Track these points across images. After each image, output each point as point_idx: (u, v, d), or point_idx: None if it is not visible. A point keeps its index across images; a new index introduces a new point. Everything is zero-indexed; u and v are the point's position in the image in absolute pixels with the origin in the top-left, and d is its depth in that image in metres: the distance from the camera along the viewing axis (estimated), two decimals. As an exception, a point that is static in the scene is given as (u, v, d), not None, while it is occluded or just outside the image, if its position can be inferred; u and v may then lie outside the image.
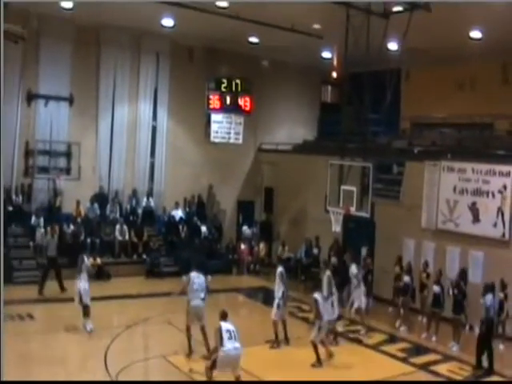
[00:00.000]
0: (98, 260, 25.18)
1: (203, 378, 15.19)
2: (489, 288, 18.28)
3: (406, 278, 21.73)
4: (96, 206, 27.55)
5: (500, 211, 21.13)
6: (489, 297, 17.94)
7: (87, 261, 19.52)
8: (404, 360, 18.25)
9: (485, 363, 17.58)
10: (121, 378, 15.30)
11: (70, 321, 19.02)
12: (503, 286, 19.05)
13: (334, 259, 25.33)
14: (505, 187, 21.02)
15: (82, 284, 18.69)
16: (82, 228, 26.40)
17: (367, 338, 19.93)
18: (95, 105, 28.11)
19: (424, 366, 17.69)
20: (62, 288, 22.72)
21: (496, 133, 26.44)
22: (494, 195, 21.37)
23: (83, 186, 27.08)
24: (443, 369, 17.63)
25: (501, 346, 19.51)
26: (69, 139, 27.00)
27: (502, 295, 19.06)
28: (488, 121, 26.50)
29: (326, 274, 19.24)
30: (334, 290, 19.16)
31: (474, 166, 22.09)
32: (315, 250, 26.67)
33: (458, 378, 17.09)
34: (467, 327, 20.22)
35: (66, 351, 16.93)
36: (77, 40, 26.75)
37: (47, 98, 26.38)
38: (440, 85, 28.38)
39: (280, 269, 19.23)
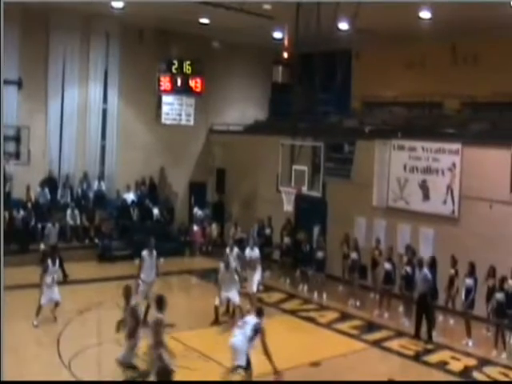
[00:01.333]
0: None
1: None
2: (422, 262, 19.05)
3: (354, 255, 22.00)
4: (46, 190, 27.20)
5: (449, 189, 21.41)
6: (423, 271, 18.69)
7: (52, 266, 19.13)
8: (356, 337, 18.47)
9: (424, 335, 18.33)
10: (74, 364, 15.23)
11: (22, 309, 18.84)
12: (454, 263, 19.27)
13: (286, 239, 25.49)
14: (454, 165, 21.30)
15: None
16: (32, 213, 26.09)
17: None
18: (44, 88, 27.68)
19: (376, 343, 17.95)
20: None
21: (445, 111, 26.71)
22: (443, 173, 21.64)
23: (33, 171, 26.68)
24: (395, 344, 17.91)
25: (451, 321, 19.84)
26: (18, 123, 26.55)
27: (452, 271, 19.30)
28: (437, 100, 26.74)
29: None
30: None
31: (423, 145, 22.33)
32: (268, 230, 26.71)
33: (409, 352, 17.34)
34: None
35: (18, 339, 16.74)
36: (25, 23, 26.22)
37: (-5, 81, 25.96)
38: (390, 64, 28.56)
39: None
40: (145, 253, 19.01)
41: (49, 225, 23.98)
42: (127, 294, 14.27)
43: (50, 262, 18.85)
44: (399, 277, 20.39)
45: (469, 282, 18.32)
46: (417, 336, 18.34)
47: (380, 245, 21.89)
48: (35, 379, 13.99)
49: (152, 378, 13.23)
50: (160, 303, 13.58)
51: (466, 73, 25.71)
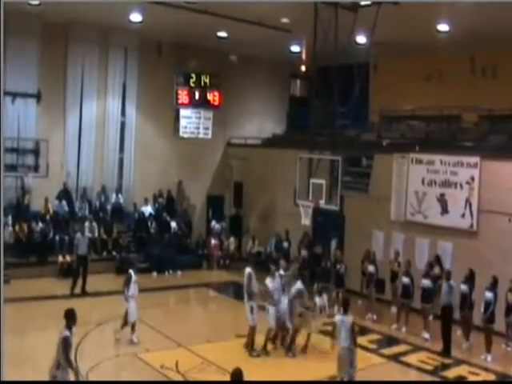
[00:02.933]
0: (68, 257, 25.01)
1: (175, 374, 15.26)
2: (450, 275, 18.84)
3: (371, 268, 21.92)
4: (64, 202, 27.31)
5: (468, 202, 21.29)
6: (444, 285, 18.55)
7: (134, 276, 18.63)
8: (374, 351, 18.36)
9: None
10: (91, 376, 15.22)
11: (39, 320, 18.89)
12: (471, 276, 19.16)
13: (304, 252, 25.42)
14: (472, 178, 21.18)
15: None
16: (50, 225, 26.21)
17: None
18: (63, 101, 27.85)
19: (394, 357, 17.82)
20: None
21: (463, 125, 26.61)
22: (461, 186, 21.53)
23: (51, 183, 26.83)
24: (413, 359, 17.79)
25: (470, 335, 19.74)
26: (36, 136, 26.72)
27: (464, 287, 19.16)
28: (456, 113, 26.66)
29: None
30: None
31: (442, 158, 22.23)
32: (285, 244, 26.70)
33: (428, 367, 17.22)
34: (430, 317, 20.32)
35: (36, 350, 16.76)
36: (44, 36, 26.47)
37: (14, 94, 26.07)
38: (408, 77, 28.51)
39: (248, 269, 18.13)
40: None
41: (78, 234, 23.93)
42: None
43: (132, 271, 18.59)
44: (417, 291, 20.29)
45: (489, 295, 18.16)
46: (447, 352, 18.20)
47: (399, 257, 21.78)
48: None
49: None
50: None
51: (484, 85, 25.65)
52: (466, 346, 18.90)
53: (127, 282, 18.17)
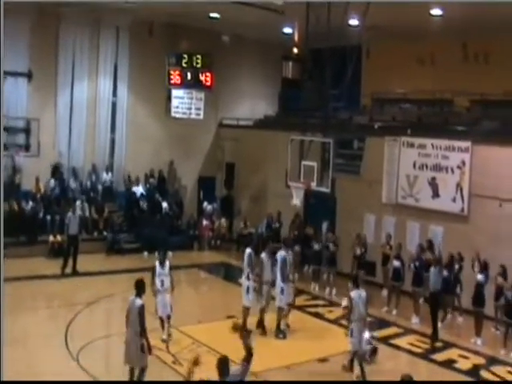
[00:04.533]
0: (58, 237, 25.00)
1: (164, 354, 15.34)
2: (435, 262, 18.84)
3: (359, 250, 22.06)
4: (55, 182, 27.26)
5: (459, 186, 21.38)
6: (434, 270, 18.51)
7: (160, 268, 17.12)
8: (364, 334, 18.43)
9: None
10: (82, 356, 15.27)
11: (30, 300, 18.92)
12: (459, 259, 19.38)
13: (295, 233, 25.49)
14: (463, 163, 21.26)
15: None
16: (41, 205, 26.17)
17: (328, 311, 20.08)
18: (54, 80, 27.74)
19: (384, 340, 17.88)
20: None
21: (455, 109, 26.61)
22: (453, 171, 21.61)
23: (43, 163, 26.75)
24: (403, 342, 17.89)
25: (459, 319, 19.84)
26: (27, 115, 26.61)
27: (456, 267, 19.38)
28: (448, 97, 26.62)
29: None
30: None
31: (433, 142, 22.30)
32: (276, 225, 26.73)
33: (418, 350, 17.33)
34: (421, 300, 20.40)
35: (26, 330, 16.79)
36: (35, 15, 26.25)
37: (5, 73, 25.86)
38: (401, 61, 28.46)
39: (248, 250, 18.13)
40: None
41: (69, 214, 23.79)
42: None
43: (157, 263, 17.16)
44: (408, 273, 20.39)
45: (480, 278, 18.31)
46: (435, 336, 18.20)
47: (391, 240, 21.84)
48: (43, 371, 14.04)
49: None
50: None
51: (476, 70, 25.64)
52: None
53: (152, 275, 16.86)
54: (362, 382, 14.53)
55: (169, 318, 16.74)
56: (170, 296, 16.88)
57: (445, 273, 18.90)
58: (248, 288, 17.69)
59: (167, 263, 17.22)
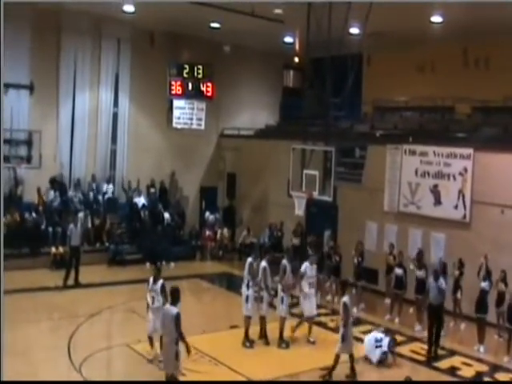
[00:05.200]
0: (61, 249, 24.97)
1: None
2: (438, 272, 18.40)
3: (357, 259, 21.97)
4: (57, 194, 27.27)
5: (461, 193, 21.34)
6: (433, 284, 17.99)
7: (152, 284, 16.27)
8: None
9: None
10: (85, 367, 15.24)
11: (32, 312, 18.89)
12: (460, 265, 19.38)
13: (296, 241, 25.48)
14: (465, 170, 21.23)
15: None
16: (43, 217, 26.17)
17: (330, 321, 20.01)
18: (56, 92, 27.76)
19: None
20: None
21: (457, 116, 26.62)
22: (455, 178, 21.58)
23: (44, 175, 26.79)
24: (406, 350, 17.83)
25: (462, 325, 19.80)
26: (29, 127, 26.65)
27: (457, 273, 19.37)
28: (449, 104, 26.64)
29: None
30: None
31: (435, 149, 22.28)
32: (278, 234, 26.71)
33: (420, 358, 17.28)
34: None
35: (28, 343, 16.75)
36: (36, 26, 26.32)
37: (7, 86, 25.94)
38: (401, 68, 28.49)
39: (249, 259, 18.06)
40: None
41: (71, 225, 23.74)
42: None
43: (151, 280, 16.26)
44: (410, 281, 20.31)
45: (484, 285, 18.26)
46: (430, 351, 17.81)
47: (394, 250, 21.75)
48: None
49: None
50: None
51: (477, 77, 25.64)
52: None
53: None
54: (363, 382, 14.43)
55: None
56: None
57: (442, 282, 18.81)
58: (247, 297, 17.55)
59: (160, 281, 16.02)
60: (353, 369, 15.32)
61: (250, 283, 17.65)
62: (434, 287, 17.91)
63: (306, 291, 18.00)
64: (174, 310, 13.01)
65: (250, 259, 18.06)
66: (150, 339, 16.05)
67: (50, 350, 16.54)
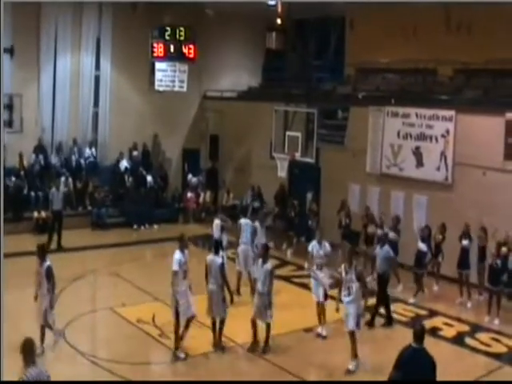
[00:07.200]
0: (43, 213, 24.93)
1: (151, 328, 15.38)
2: (386, 239, 18.43)
3: (346, 221, 22.07)
4: (40, 157, 27.16)
5: (443, 155, 21.42)
6: (384, 248, 17.62)
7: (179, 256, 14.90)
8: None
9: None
10: (68, 331, 15.30)
11: (16, 277, 18.86)
12: (443, 229, 19.46)
13: (279, 205, 25.58)
14: (448, 132, 21.29)
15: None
16: (25, 181, 26.08)
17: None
18: (36, 56, 27.47)
19: (368, 308, 17.83)
20: None
21: (439, 78, 26.57)
22: (437, 139, 21.63)
23: (26, 139, 26.63)
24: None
25: (435, 287, 20.00)
26: (10, 91, 26.41)
27: (440, 237, 19.45)
28: (431, 66, 26.56)
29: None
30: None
31: (417, 111, 22.30)
32: (260, 198, 26.70)
33: (402, 318, 17.47)
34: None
35: (13, 308, 16.75)
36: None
37: (-14, 49, 25.73)
38: (384, 31, 28.22)
39: (216, 221, 19.86)
40: None
41: (52, 189, 23.80)
42: None
43: (178, 251, 14.90)
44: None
45: (465, 243, 18.57)
46: (372, 323, 17.08)
47: (370, 211, 21.82)
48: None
49: None
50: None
51: (459, 39, 25.50)
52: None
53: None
54: (361, 382, 14.22)
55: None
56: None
57: (421, 245, 18.99)
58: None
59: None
60: None
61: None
62: (379, 255, 17.62)
63: (313, 274, 16.50)
64: (218, 260, 14.77)
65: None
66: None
67: (34, 315, 16.56)
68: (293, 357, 14.85)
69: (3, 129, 21.47)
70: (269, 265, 14.91)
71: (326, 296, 16.07)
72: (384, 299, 17.26)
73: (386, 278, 17.46)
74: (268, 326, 14.82)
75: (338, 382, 13.75)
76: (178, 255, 14.63)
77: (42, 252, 14.53)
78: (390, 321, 17.19)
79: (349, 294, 14.12)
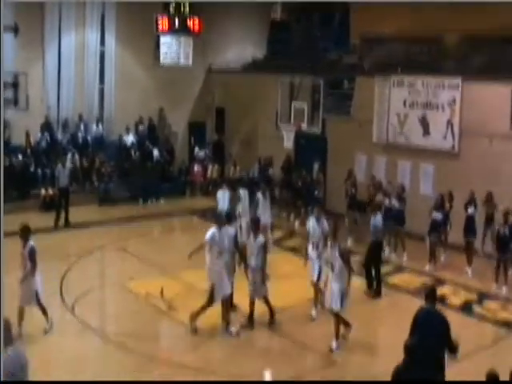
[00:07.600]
0: (50, 190, 24.94)
1: (161, 302, 15.43)
2: (380, 207, 18.54)
3: (352, 191, 22.06)
4: (46, 135, 27.15)
5: (449, 124, 21.34)
6: (376, 216, 17.40)
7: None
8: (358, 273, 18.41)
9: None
10: (77, 306, 15.36)
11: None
12: (450, 198, 19.37)
13: (285, 176, 25.55)
14: (454, 100, 21.20)
15: None
16: (31, 159, 26.09)
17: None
18: (41, 33, 27.42)
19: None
20: None
21: (445, 46, 26.37)
22: (443, 108, 21.54)
23: (32, 117, 26.48)
24: (395, 279, 18.13)
25: (442, 256, 19.91)
26: (15, 69, 26.29)
27: (447, 206, 19.36)
28: (437, 34, 26.35)
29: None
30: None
31: (423, 80, 22.20)
32: (270, 170, 26.64)
33: (409, 287, 17.39)
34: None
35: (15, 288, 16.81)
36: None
37: (-10, 28, 25.61)
38: (389, -1, 28.10)
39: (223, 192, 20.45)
40: None
41: (58, 166, 23.76)
42: None
43: (215, 228, 14.28)
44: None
45: (471, 211, 18.57)
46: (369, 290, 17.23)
47: (375, 180, 21.76)
48: (39, 322, 14.06)
49: None
50: None
51: (465, 6, 25.30)
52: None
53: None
54: (361, 381, 14.11)
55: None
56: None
57: (436, 214, 18.91)
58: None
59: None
60: None
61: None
62: (371, 223, 17.42)
63: (309, 253, 15.73)
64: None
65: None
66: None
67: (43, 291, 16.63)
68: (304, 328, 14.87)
69: (3, 112, 21.32)
70: (261, 238, 14.57)
71: (319, 276, 15.19)
72: (375, 267, 17.19)
73: (377, 246, 17.33)
74: (266, 300, 14.65)
75: (338, 381, 13.79)
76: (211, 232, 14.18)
77: (25, 233, 14.06)
78: (378, 292, 17.05)
79: (332, 271, 13.65)
